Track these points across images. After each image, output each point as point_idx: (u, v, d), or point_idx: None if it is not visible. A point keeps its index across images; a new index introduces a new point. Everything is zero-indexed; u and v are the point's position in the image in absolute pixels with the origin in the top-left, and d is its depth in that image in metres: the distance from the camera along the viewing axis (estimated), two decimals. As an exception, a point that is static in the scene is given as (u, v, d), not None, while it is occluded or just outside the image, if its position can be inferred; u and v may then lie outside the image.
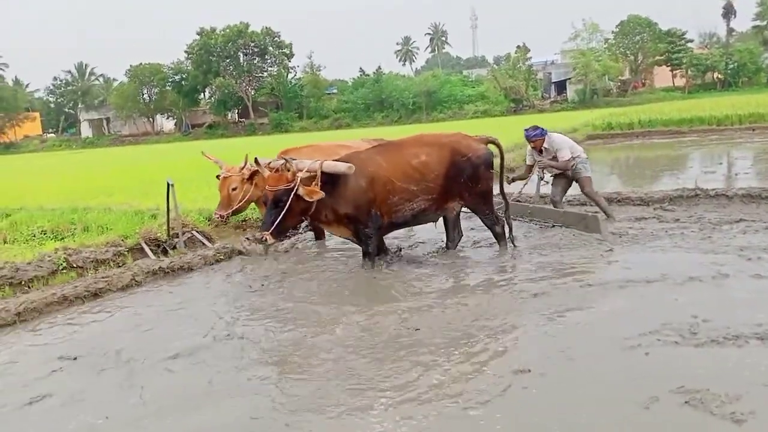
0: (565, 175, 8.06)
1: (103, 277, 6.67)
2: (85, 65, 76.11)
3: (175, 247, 7.84)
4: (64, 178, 19.27)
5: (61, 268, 6.89)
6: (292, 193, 5.79)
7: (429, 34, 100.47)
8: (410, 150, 6.42)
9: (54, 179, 19.21)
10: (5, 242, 9.27)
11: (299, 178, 5.83)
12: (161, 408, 3.82)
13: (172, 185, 7.54)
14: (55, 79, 74.60)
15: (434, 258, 6.82)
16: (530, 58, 57.71)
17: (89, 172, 21.96)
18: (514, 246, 6.86)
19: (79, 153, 47.92)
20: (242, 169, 7.07)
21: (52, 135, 71.75)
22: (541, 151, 7.92)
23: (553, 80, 62.49)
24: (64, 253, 7.05)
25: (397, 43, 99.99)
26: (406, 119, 57.45)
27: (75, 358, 4.71)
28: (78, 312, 5.93)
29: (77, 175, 20.32)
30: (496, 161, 6.97)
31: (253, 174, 6.88)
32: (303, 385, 3.96)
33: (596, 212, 7.83)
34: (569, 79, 56.49)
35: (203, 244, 8.07)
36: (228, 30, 62.58)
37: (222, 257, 7.41)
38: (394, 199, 6.23)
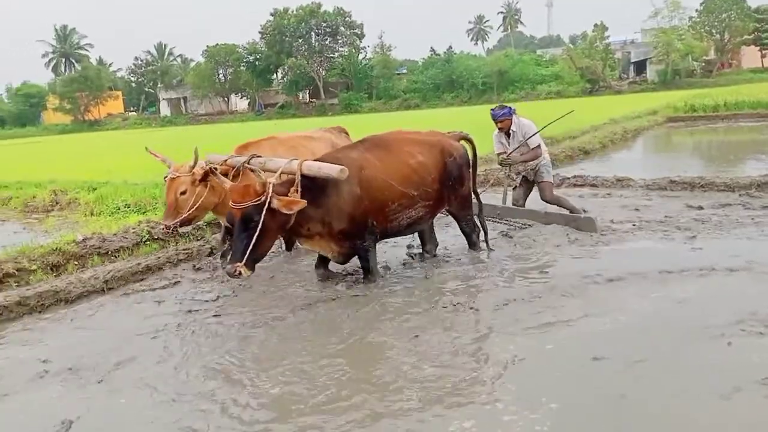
0: (528, 179, 7.60)
1: (183, 249, 6.98)
2: (164, 45, 78.70)
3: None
4: (146, 155, 20.09)
5: (144, 239, 7.22)
6: (265, 208, 4.58)
7: (502, 12, 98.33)
8: (404, 148, 5.58)
9: (136, 156, 20.05)
10: (92, 214, 9.84)
11: (271, 187, 4.65)
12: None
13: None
14: (136, 59, 77.63)
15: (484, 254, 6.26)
16: (608, 37, 55.50)
17: (169, 149, 22.76)
18: (490, 250, 6.30)
19: (158, 131, 49.78)
20: (192, 167, 5.70)
21: (134, 113, 74.66)
22: (508, 134, 7.40)
23: (632, 60, 60.03)
24: (147, 226, 7.39)
25: (470, 22, 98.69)
26: (476, 99, 56.64)
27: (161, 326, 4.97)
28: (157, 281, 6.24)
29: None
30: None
31: (207, 174, 5.63)
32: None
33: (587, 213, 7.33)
34: (649, 59, 54.10)
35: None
36: (300, 10, 63.26)
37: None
38: (393, 206, 5.33)
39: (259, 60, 65.42)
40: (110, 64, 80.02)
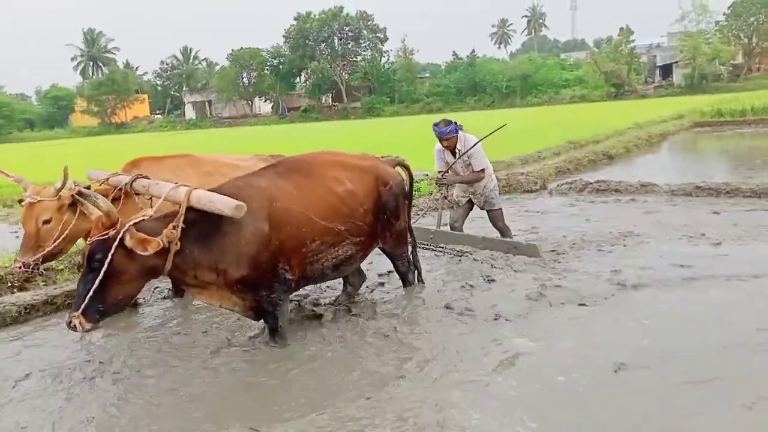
0: (470, 199, 6.81)
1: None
2: (190, 49, 79.63)
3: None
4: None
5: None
6: (113, 246, 3.60)
7: (526, 16, 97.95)
8: (329, 173, 4.60)
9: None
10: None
11: (129, 223, 3.66)
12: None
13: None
14: (162, 62, 78.71)
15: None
16: (633, 40, 55.00)
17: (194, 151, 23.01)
18: (420, 284, 5.53)
19: (183, 134, 50.34)
20: (59, 190, 4.66)
21: (159, 116, 75.53)
22: (454, 153, 6.56)
23: (658, 64, 59.41)
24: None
25: (493, 26, 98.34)
26: (499, 103, 56.48)
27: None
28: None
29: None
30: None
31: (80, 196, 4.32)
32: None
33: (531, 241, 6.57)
34: (676, 62, 53.48)
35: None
36: (323, 14, 63.70)
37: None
38: (313, 245, 4.32)
39: (283, 64, 65.96)
40: (137, 68, 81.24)
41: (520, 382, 3.67)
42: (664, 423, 3.18)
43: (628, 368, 3.73)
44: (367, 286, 5.57)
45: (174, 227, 3.77)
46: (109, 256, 3.58)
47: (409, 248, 5.44)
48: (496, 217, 6.75)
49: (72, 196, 4.56)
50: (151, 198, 4.30)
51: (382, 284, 5.71)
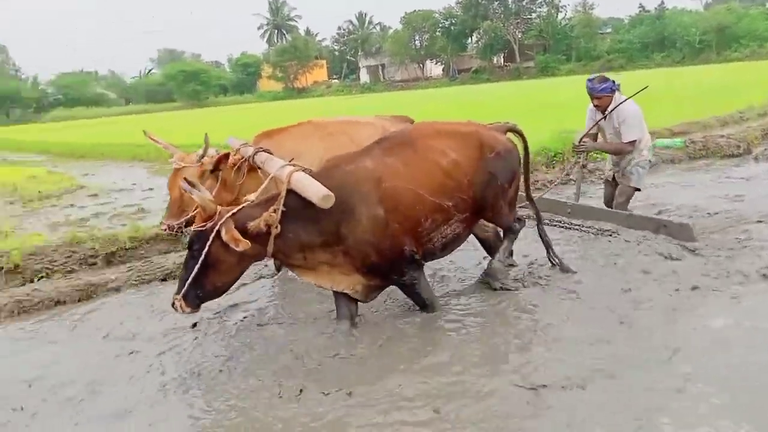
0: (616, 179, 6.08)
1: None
2: (364, 14, 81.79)
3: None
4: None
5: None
6: (211, 237, 3.62)
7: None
8: (432, 144, 4.26)
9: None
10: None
11: (227, 216, 3.65)
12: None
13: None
14: (339, 28, 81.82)
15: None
16: None
17: (370, 113, 23.65)
18: (554, 265, 4.99)
19: (358, 97, 52.02)
20: (201, 157, 4.76)
21: (336, 81, 78.79)
22: (605, 114, 5.86)
23: None
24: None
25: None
26: (690, 60, 51.41)
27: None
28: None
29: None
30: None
31: (219, 163, 4.68)
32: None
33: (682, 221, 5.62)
34: None
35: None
36: (498, -29, 62.01)
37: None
38: (427, 224, 4.13)
39: (455, 24, 65.44)
40: (316, 34, 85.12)
41: (729, 377, 3.24)
42: None
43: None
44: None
45: (274, 210, 3.71)
46: (207, 247, 3.61)
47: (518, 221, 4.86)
48: (621, 192, 6.02)
49: (218, 159, 4.65)
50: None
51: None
